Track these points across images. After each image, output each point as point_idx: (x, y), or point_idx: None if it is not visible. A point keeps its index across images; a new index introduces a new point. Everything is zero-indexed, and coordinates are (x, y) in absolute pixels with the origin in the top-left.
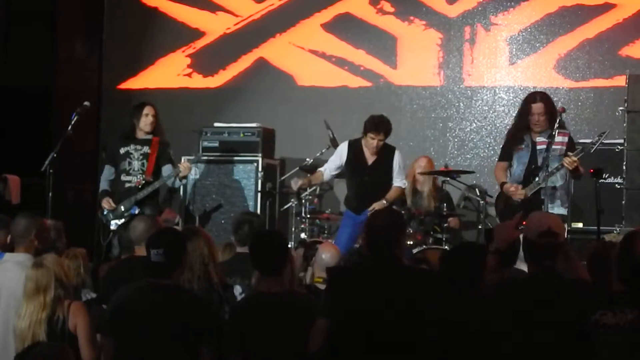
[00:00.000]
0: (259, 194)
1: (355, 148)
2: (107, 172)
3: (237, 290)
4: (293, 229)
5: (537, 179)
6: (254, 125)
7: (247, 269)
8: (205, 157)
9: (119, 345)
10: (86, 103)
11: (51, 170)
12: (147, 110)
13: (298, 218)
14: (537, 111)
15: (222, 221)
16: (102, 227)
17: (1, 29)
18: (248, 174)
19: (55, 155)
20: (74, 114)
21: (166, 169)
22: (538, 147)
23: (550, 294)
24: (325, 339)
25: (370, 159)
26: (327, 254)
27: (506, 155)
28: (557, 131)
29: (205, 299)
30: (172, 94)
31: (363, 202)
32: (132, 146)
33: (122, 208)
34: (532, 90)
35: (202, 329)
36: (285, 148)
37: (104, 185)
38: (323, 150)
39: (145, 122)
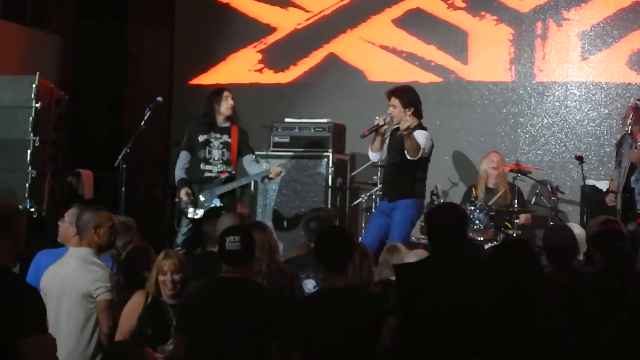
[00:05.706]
0: (330, 190)
1: (396, 130)
2: (184, 159)
3: (311, 284)
4: (363, 225)
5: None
6: (324, 120)
7: None
8: (276, 153)
9: (190, 342)
10: (159, 98)
11: (124, 165)
12: (227, 93)
13: (368, 214)
14: None
15: (293, 216)
16: (179, 214)
17: (73, 25)
18: (318, 169)
19: (128, 150)
20: (147, 109)
21: (248, 160)
22: None
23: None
24: (394, 336)
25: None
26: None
27: (619, 161)
28: None
29: (276, 292)
30: (243, 89)
31: (386, 187)
32: (212, 134)
33: (202, 198)
34: (604, 85)
35: (273, 322)
36: (356, 143)
37: (180, 173)
38: None
39: (227, 105)
